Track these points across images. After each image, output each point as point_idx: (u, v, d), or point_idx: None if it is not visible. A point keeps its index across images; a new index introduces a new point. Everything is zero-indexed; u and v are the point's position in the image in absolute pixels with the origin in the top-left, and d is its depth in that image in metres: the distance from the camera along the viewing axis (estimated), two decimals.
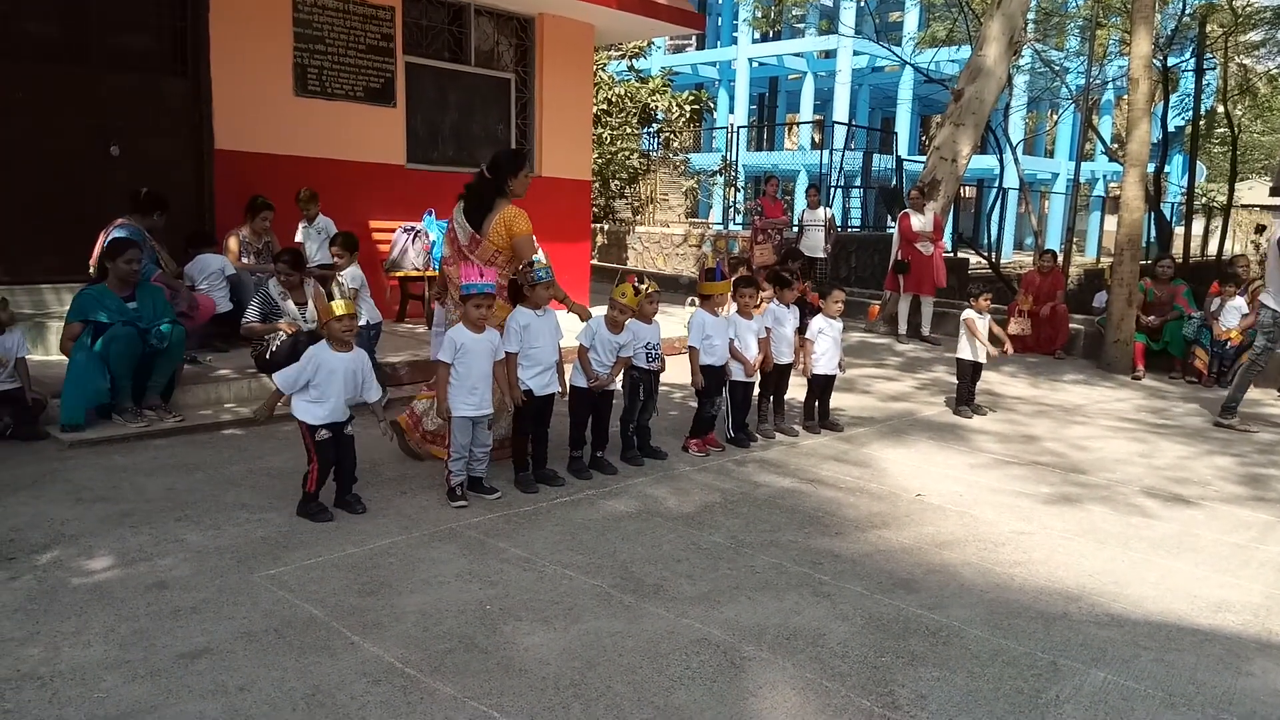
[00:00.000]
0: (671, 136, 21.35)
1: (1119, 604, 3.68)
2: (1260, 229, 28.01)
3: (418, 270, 8.55)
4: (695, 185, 21.58)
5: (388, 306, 8.88)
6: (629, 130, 19.41)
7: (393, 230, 8.75)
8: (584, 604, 3.46)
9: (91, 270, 6.43)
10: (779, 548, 4.13)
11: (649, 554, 3.98)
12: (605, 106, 18.78)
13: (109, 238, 6.25)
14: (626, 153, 19.18)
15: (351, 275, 6.63)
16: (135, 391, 5.50)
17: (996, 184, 21.15)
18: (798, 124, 31.01)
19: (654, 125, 20.96)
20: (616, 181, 19.36)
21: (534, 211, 9.68)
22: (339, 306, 4.20)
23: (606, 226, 18.68)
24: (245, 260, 7.40)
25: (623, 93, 19.56)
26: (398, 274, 8.59)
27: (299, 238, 7.92)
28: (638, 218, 19.65)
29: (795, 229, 13.79)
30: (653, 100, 20.28)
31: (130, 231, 6.31)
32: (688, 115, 21.17)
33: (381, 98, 8.95)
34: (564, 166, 10.62)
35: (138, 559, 3.69)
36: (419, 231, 8.62)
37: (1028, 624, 3.45)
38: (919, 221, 10.53)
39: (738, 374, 5.75)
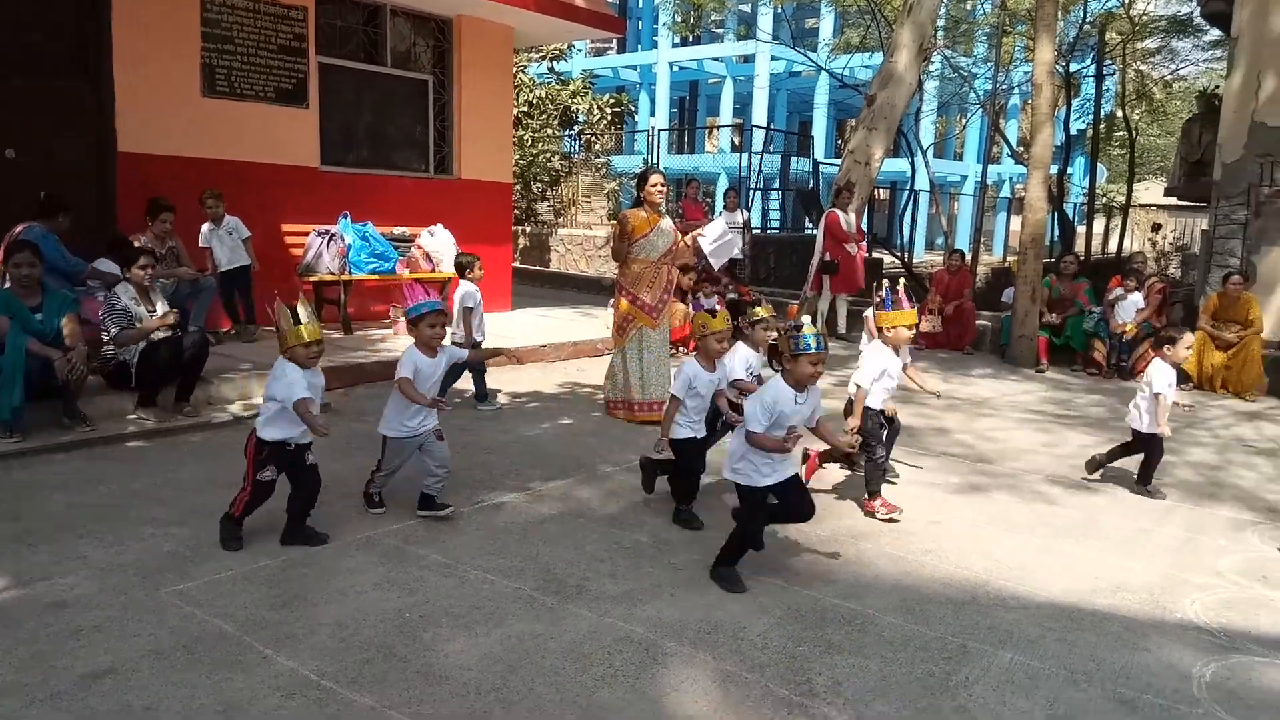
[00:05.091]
0: (593, 139, 21.37)
1: (1025, 588, 3.82)
2: (1156, 227, 29.37)
3: (333, 275, 8.37)
4: (617, 188, 21.60)
5: None
6: (550, 132, 19.36)
7: (306, 234, 8.56)
8: (506, 608, 3.45)
9: None
10: (702, 545, 4.16)
11: (572, 555, 3.98)
12: (526, 109, 18.68)
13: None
14: (548, 155, 19.12)
15: (465, 295, 6.35)
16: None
17: (908, 186, 21.73)
18: (718, 127, 31.34)
19: (575, 128, 20.95)
20: (538, 184, 19.28)
21: (454, 214, 9.75)
22: (306, 332, 3.82)
23: (528, 229, 18.58)
24: None
25: (543, 95, 19.50)
26: (312, 279, 8.40)
27: (204, 241, 7.68)
28: (560, 220, 19.59)
29: None
30: (574, 103, 20.27)
31: (34, 235, 6.06)
32: (609, 118, 21.23)
33: (294, 99, 8.75)
34: (484, 169, 10.55)
35: (36, 578, 3.53)
36: (334, 235, 8.43)
37: (939, 609, 3.56)
38: (846, 221, 10.69)
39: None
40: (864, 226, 11.99)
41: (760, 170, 19.08)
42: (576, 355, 8.96)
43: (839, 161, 13.10)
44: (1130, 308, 9.08)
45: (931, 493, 5.11)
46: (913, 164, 20.89)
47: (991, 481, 5.36)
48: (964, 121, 31.03)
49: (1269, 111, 9.54)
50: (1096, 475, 5.45)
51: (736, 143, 31.59)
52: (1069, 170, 22.92)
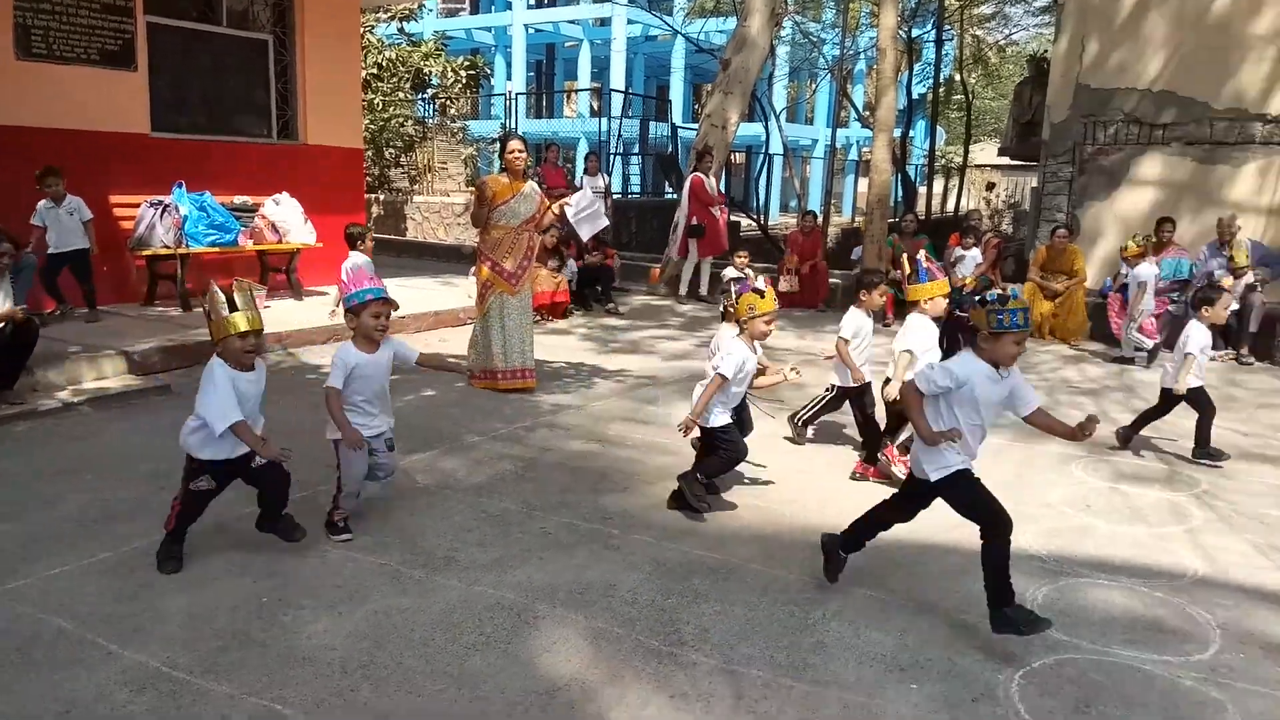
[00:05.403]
0: (448, 103, 20.75)
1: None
2: (991, 186, 31.26)
3: (168, 248, 7.86)
4: (475, 153, 21.11)
5: (134, 288, 8.14)
6: (402, 96, 18.67)
7: (138, 205, 7.99)
8: (371, 584, 3.37)
9: None
10: (569, 508, 4.19)
11: (439, 527, 3.93)
12: (375, 71, 17.94)
13: None
14: (400, 120, 18.45)
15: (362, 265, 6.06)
16: None
17: (763, 150, 22.24)
18: (576, 91, 31.08)
19: (428, 91, 20.29)
20: (391, 150, 18.61)
21: (301, 181, 9.33)
22: (242, 320, 3.30)
23: (382, 197, 17.95)
24: None
25: (394, 57, 18.75)
26: (145, 252, 7.87)
27: (38, 219, 7.04)
28: (415, 187, 19.00)
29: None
30: (426, 65, 19.60)
31: None
32: (464, 81, 20.64)
33: (119, 61, 8.11)
34: (332, 134, 10.09)
35: None
36: (167, 205, 7.91)
37: (799, 555, 3.72)
38: (710, 185, 10.81)
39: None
40: (722, 189, 12.21)
41: (620, 135, 19.07)
42: (438, 325, 8.79)
43: (697, 126, 13.24)
44: (970, 263, 9.61)
45: (792, 445, 5.30)
46: (766, 128, 21.38)
47: (848, 433, 5.60)
48: (814, 86, 31.89)
49: (1092, 74, 10.24)
50: (1126, 448, 5.30)
51: (595, 107, 31.42)
52: (911, 133, 23.96)
